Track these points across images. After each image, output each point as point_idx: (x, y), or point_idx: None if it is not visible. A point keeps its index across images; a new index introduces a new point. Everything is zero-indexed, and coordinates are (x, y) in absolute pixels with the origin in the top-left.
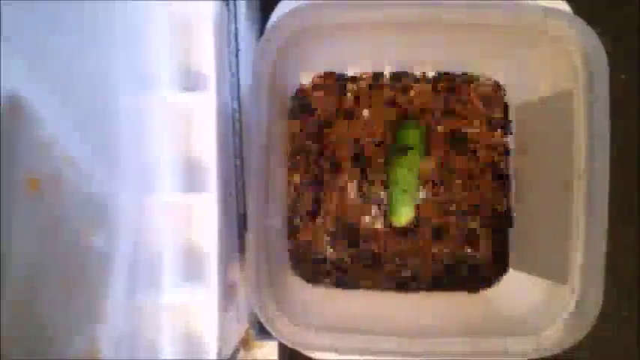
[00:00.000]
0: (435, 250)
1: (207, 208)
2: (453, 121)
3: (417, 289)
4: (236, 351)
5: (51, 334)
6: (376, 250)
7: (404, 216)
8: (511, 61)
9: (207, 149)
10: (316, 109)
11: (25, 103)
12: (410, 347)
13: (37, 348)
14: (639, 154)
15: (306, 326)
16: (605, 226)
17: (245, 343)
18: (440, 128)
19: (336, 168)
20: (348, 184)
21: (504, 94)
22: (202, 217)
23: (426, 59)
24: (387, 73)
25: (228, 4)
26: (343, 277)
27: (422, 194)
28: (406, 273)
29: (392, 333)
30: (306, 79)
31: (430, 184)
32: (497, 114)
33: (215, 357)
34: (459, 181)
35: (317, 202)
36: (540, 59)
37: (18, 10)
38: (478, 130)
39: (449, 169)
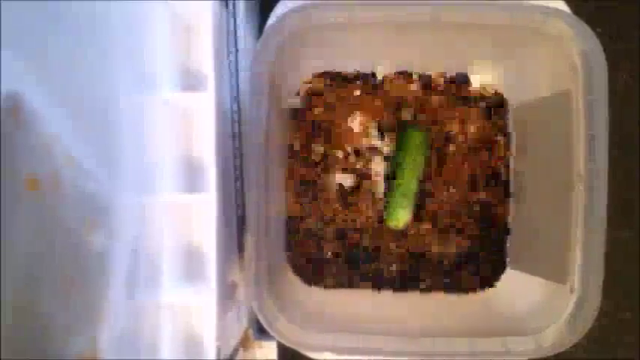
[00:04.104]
0: (434, 250)
1: (206, 208)
2: (453, 122)
3: (416, 289)
4: (235, 351)
5: (51, 334)
6: (375, 250)
7: (401, 219)
8: (511, 61)
9: (206, 149)
10: (315, 110)
11: (25, 103)
12: (410, 347)
13: (37, 348)
14: (639, 154)
15: (305, 326)
16: (605, 226)
17: (244, 343)
18: (439, 129)
19: (336, 168)
20: (348, 184)
21: (504, 95)
22: (202, 217)
23: (426, 59)
24: (386, 73)
25: (227, 5)
26: (342, 278)
27: (421, 195)
28: (406, 273)
29: (392, 333)
30: (305, 79)
31: (429, 184)
32: (497, 114)
33: (214, 357)
34: (459, 182)
35: (316, 202)
36: (540, 59)
37: (18, 10)
38: (478, 131)
39: (449, 170)
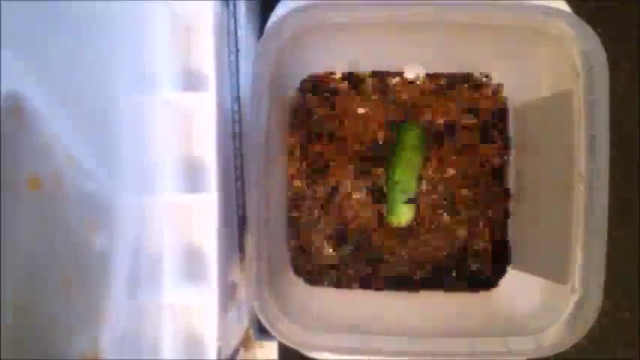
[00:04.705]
0: (434, 249)
1: (207, 209)
2: (453, 122)
3: (417, 289)
4: (236, 351)
5: (51, 334)
6: (376, 250)
7: (403, 216)
8: (511, 61)
9: (207, 149)
10: (316, 110)
11: (25, 103)
12: (410, 347)
13: (38, 348)
14: (639, 155)
15: (306, 326)
16: (605, 226)
17: (245, 343)
18: (440, 128)
19: (336, 168)
20: (348, 184)
21: (504, 94)
22: (202, 218)
23: (426, 59)
24: (387, 72)
25: (228, 5)
26: (343, 277)
27: (421, 194)
28: (406, 272)
29: (392, 333)
30: (305, 79)
31: (430, 184)
32: (498, 114)
33: (215, 357)
34: (459, 182)
35: (317, 202)
36: (540, 59)
37: (18, 10)
38: (478, 130)
39: (449, 169)
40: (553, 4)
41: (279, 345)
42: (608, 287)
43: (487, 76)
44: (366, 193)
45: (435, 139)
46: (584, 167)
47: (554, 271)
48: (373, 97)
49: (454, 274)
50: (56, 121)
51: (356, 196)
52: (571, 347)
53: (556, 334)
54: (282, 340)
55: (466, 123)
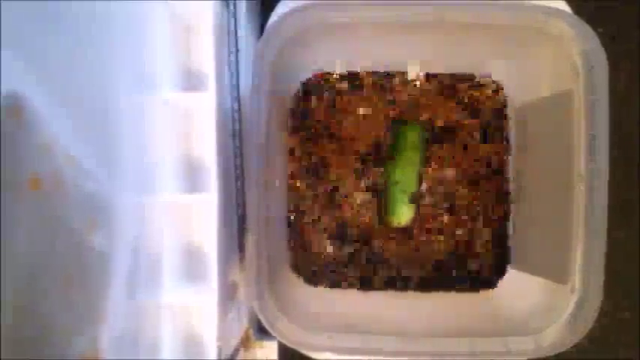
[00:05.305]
0: (435, 249)
1: (207, 208)
2: (453, 121)
3: (416, 289)
4: (236, 351)
5: (51, 334)
6: (376, 250)
7: (403, 216)
8: (511, 61)
9: (207, 149)
10: (316, 109)
11: (25, 103)
12: (409, 347)
13: (37, 349)
14: (639, 154)
15: (306, 326)
16: (605, 226)
17: (245, 343)
18: (439, 128)
19: (336, 168)
20: (348, 184)
21: (504, 94)
22: (202, 218)
23: (427, 59)
24: (387, 72)
25: (228, 5)
26: (343, 277)
27: (421, 194)
28: (406, 273)
29: (392, 333)
30: (306, 79)
31: (430, 184)
32: (498, 114)
33: (215, 357)
34: (459, 181)
35: (317, 201)
36: (540, 59)
37: (18, 10)
38: (478, 130)
39: (449, 169)
40: (553, 4)
41: (279, 345)
42: (608, 287)
43: (487, 77)
44: (366, 193)
45: (435, 139)
46: (584, 167)
47: (554, 271)
48: (373, 97)
49: (454, 274)
50: (56, 121)
51: (356, 195)
52: (571, 347)
53: (556, 334)
54: (281, 340)
55: (466, 123)
